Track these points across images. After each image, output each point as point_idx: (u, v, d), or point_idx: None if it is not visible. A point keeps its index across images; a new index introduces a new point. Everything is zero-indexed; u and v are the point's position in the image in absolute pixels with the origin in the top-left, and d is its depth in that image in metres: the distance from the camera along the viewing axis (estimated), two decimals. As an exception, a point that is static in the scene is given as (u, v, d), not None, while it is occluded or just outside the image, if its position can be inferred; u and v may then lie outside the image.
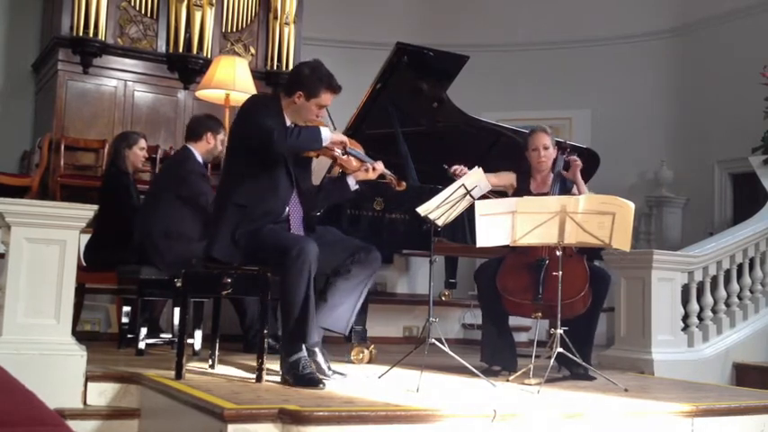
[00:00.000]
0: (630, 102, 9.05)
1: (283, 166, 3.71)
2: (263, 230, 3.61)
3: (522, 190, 4.41)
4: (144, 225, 4.65)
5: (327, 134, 3.66)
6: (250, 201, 3.64)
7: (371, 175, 3.83)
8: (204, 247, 3.74)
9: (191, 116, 6.94)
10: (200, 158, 4.78)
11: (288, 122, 3.75)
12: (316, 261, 3.49)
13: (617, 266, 5.18)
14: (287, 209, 3.73)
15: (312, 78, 3.69)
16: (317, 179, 4.12)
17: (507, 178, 4.49)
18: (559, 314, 3.88)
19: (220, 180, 3.94)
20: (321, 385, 3.41)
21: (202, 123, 4.85)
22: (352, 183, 3.84)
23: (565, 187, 4.41)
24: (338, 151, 3.74)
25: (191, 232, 4.61)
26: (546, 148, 4.40)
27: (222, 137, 4.88)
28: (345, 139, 3.75)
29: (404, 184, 4.01)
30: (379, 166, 3.83)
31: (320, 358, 3.66)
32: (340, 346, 4.82)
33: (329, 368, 3.70)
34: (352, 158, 3.81)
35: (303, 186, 3.82)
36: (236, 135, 3.78)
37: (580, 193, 4.28)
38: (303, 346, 3.50)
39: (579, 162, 4.43)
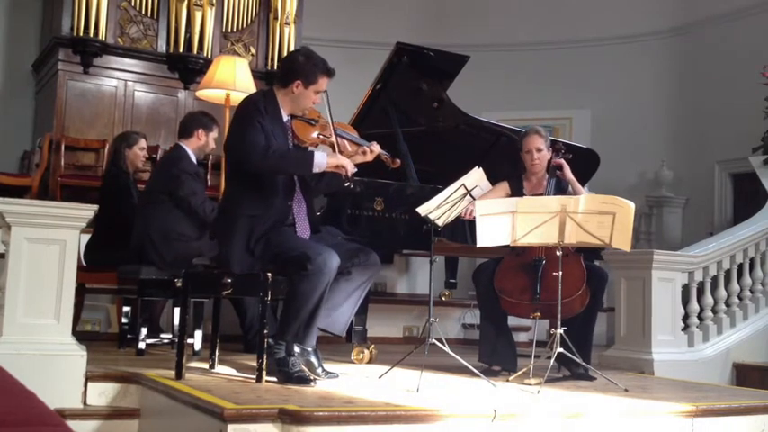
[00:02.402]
0: (630, 102, 9.05)
1: None
2: (277, 234, 3.58)
3: (516, 193, 4.39)
4: (142, 226, 4.64)
5: (322, 159, 3.57)
6: (260, 209, 3.61)
7: (368, 158, 3.81)
8: (218, 259, 3.71)
9: (187, 114, 6.97)
10: (193, 157, 4.77)
11: (285, 117, 3.73)
12: (335, 272, 3.49)
13: (617, 266, 5.18)
14: (292, 208, 3.71)
15: (308, 65, 3.67)
16: None
17: (501, 190, 4.42)
18: (559, 314, 3.88)
19: (225, 190, 3.92)
20: (312, 383, 3.42)
21: (195, 120, 4.84)
22: (351, 167, 3.81)
23: (560, 188, 4.40)
24: (333, 137, 3.73)
25: (189, 232, 4.62)
26: (539, 151, 4.37)
27: (215, 134, 4.86)
28: (346, 161, 3.65)
29: (398, 161, 4.01)
30: (375, 147, 3.82)
31: (314, 359, 3.66)
32: (340, 346, 4.82)
33: (322, 369, 3.70)
34: (349, 142, 3.80)
35: (305, 177, 3.80)
36: (227, 144, 3.76)
37: (576, 192, 4.27)
38: (295, 347, 3.51)
39: (564, 162, 4.41)
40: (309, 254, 3.45)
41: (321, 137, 3.81)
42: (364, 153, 3.79)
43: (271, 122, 3.64)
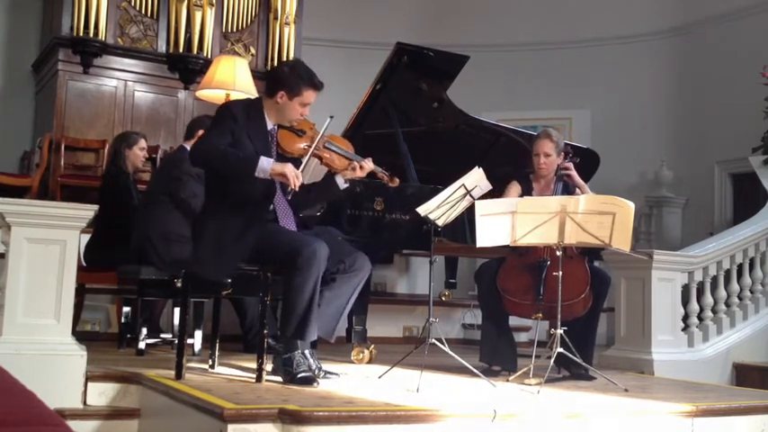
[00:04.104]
0: (630, 102, 9.05)
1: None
2: (260, 235, 3.53)
3: (526, 193, 4.38)
4: (141, 227, 4.64)
5: (266, 165, 3.46)
6: (228, 214, 3.56)
7: (359, 174, 3.74)
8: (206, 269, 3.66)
9: (191, 116, 6.96)
10: None
11: (270, 125, 3.70)
12: (326, 262, 3.48)
13: (617, 266, 5.17)
14: (274, 209, 3.67)
15: (293, 76, 3.64)
16: (316, 178, 4.06)
17: (514, 191, 4.41)
18: (559, 314, 3.88)
19: (205, 198, 3.88)
20: (315, 383, 3.42)
21: (201, 123, 4.84)
22: (340, 182, 3.77)
23: (567, 191, 4.40)
24: (316, 149, 3.68)
25: (188, 233, 4.59)
26: (547, 156, 4.35)
27: None
28: (291, 173, 3.48)
29: (396, 180, 3.92)
30: (368, 164, 3.74)
31: (310, 360, 3.66)
32: (340, 346, 4.81)
33: (320, 369, 3.68)
34: (338, 157, 3.73)
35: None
36: None
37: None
38: (298, 345, 3.50)
39: (571, 166, 4.41)
40: (297, 247, 3.43)
41: (306, 148, 3.69)
42: (354, 169, 3.72)
43: (250, 129, 3.60)
